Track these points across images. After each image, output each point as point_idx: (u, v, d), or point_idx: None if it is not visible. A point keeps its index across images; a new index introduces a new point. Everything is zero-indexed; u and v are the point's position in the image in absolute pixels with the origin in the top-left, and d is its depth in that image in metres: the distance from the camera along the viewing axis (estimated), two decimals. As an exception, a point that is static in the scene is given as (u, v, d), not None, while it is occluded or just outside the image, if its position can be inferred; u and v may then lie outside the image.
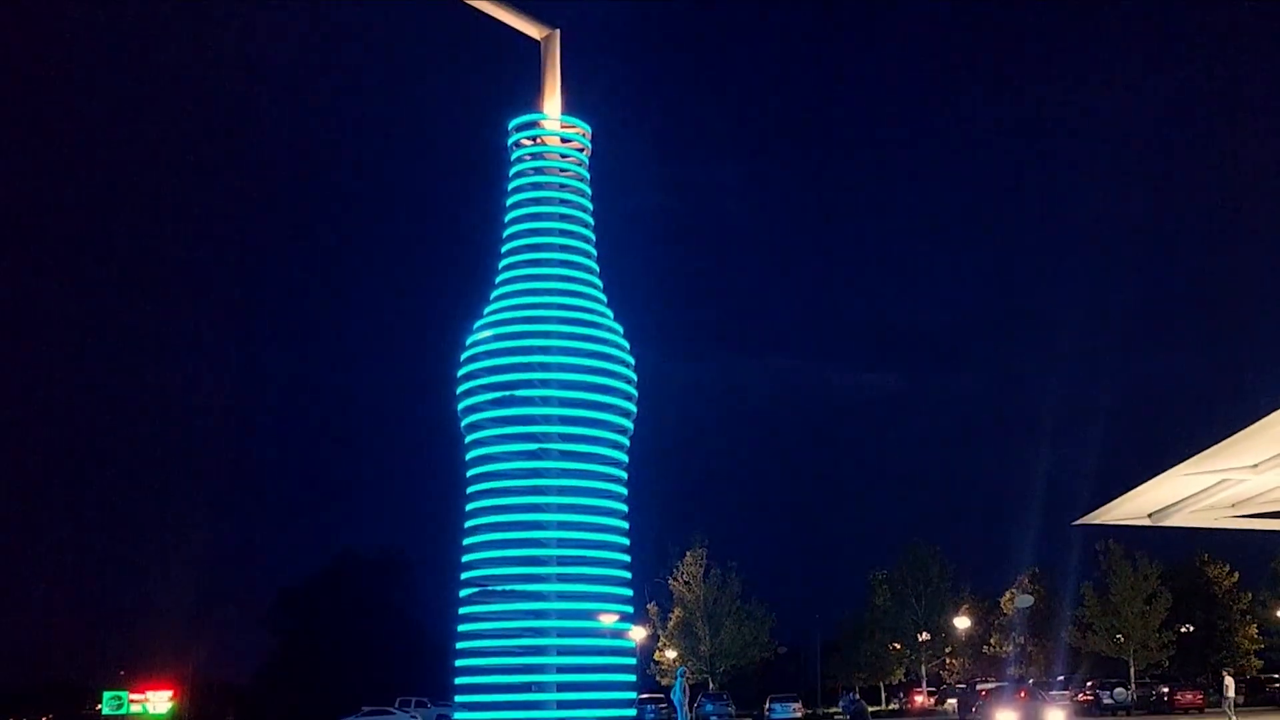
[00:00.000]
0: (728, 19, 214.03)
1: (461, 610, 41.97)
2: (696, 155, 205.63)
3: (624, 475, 42.67)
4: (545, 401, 41.56)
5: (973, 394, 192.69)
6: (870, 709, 77.55)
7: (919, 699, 78.74)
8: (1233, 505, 22.83)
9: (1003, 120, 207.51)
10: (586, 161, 44.44)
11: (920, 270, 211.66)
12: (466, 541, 41.89)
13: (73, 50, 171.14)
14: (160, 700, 62.27)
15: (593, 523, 41.53)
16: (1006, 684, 59.51)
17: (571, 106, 44.48)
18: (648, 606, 72.86)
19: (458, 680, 41.79)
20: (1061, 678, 73.79)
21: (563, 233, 43.34)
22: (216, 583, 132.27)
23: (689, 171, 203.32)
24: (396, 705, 66.00)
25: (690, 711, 51.90)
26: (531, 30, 44.34)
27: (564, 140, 44.26)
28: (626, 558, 42.53)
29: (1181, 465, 19.16)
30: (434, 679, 66.77)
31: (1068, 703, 57.29)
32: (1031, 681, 64.05)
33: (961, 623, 78.91)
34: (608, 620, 41.38)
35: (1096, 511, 23.49)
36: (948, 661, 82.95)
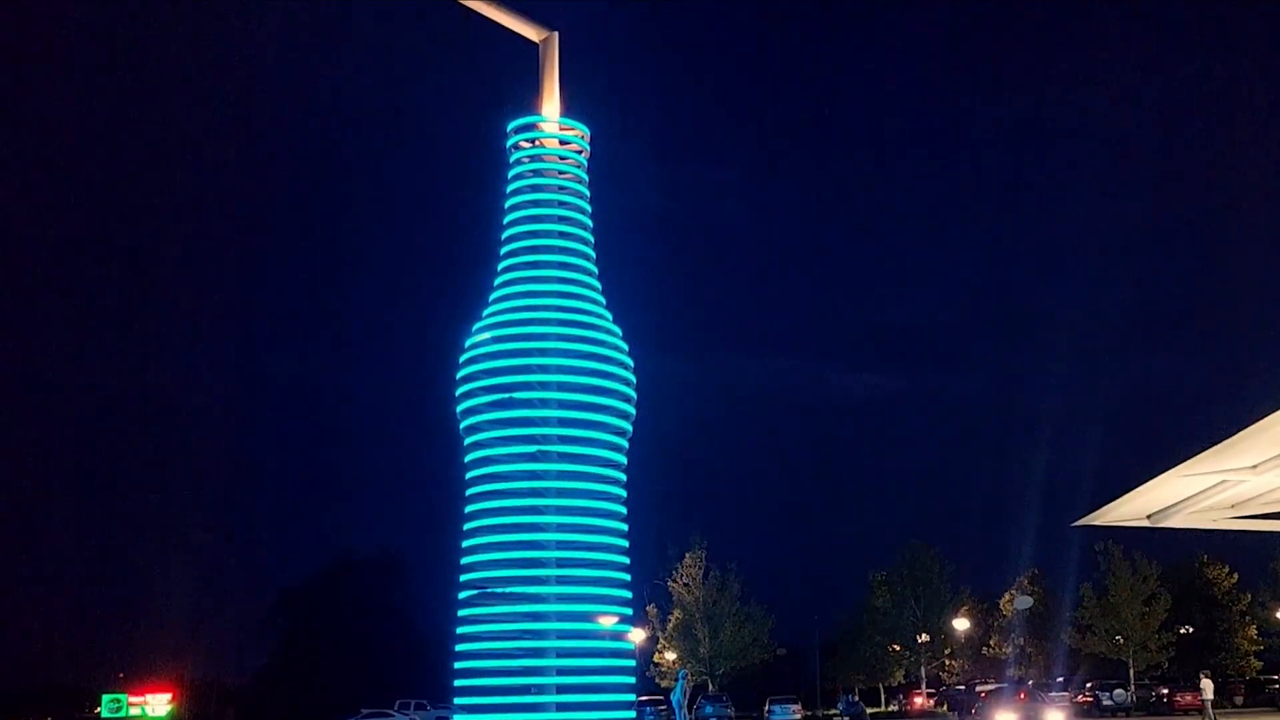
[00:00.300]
0: (726, 20, 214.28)
1: (460, 612, 41.98)
2: (695, 156, 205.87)
3: (623, 477, 42.69)
4: (544, 403, 41.60)
5: (972, 394, 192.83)
6: (869, 711, 77.68)
7: (918, 700, 78.72)
8: (1232, 506, 22.82)
9: (1001, 120, 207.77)
10: (585, 163, 44.47)
11: (919, 271, 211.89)
12: (465, 543, 41.89)
13: (72, 49, 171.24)
14: (159, 702, 62.17)
15: (592, 524, 41.52)
16: (1006, 685, 59.54)
17: (570, 108, 44.52)
18: (647, 608, 72.88)
19: (457, 682, 41.80)
20: (1061, 679, 73.80)
21: (561, 234, 43.37)
22: (215, 584, 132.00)
23: (688, 173, 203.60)
24: (396, 707, 66.01)
25: (690, 713, 51.89)
26: (530, 32, 44.38)
27: (562, 142, 44.29)
28: (626, 559, 42.52)
29: (1181, 466, 19.15)
30: (433, 681, 66.79)
31: (1067, 704, 57.31)
32: (1031, 683, 64.06)
33: (961, 624, 78.90)
34: (607, 622, 41.38)
35: (1096, 513, 23.48)
36: (947, 663, 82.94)
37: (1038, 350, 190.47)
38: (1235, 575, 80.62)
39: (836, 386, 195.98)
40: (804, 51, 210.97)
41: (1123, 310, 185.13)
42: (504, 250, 43.63)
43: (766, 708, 65.67)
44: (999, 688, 58.56)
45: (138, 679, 70.31)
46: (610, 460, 42.39)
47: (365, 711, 63.61)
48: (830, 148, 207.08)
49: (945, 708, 71.70)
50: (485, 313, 42.85)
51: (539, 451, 41.60)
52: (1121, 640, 72.95)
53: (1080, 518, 24.81)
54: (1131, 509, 22.66)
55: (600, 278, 43.93)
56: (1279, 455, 18.30)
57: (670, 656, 74.00)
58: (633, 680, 43.86)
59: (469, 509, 42.05)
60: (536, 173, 44.01)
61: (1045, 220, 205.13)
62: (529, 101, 44.41)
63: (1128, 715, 62.96)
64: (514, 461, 42.08)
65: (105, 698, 63.99)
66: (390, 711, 63.93)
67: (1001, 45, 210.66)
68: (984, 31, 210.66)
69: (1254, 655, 79.15)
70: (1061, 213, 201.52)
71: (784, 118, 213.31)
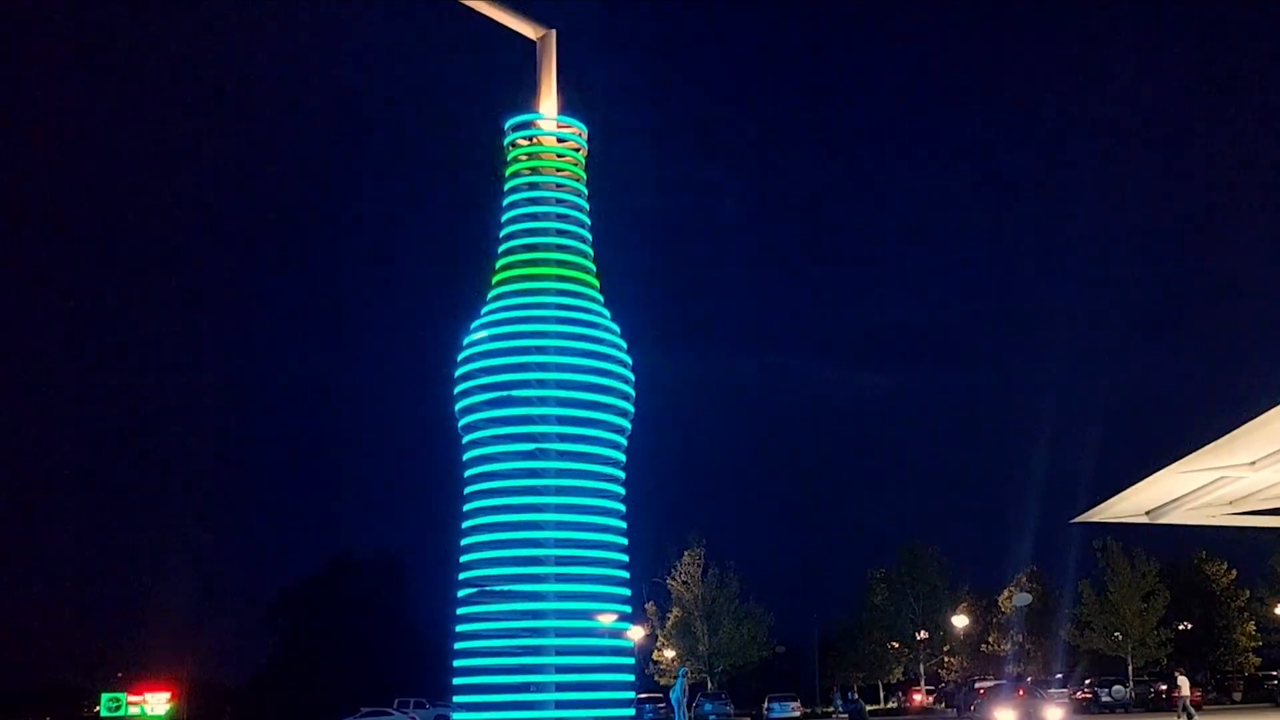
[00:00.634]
0: (722, 19, 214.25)
1: (459, 611, 41.98)
2: (692, 154, 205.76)
3: (622, 475, 42.69)
4: (543, 401, 41.60)
5: (970, 392, 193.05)
6: (868, 708, 77.67)
7: (917, 698, 78.74)
8: (1230, 502, 22.88)
9: (999, 119, 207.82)
10: (583, 161, 44.46)
11: (917, 269, 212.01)
12: (464, 542, 41.89)
13: (73, 47, 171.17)
14: (159, 702, 62.24)
15: (591, 522, 41.52)
16: (1005, 682, 59.54)
17: (567, 106, 44.51)
18: (646, 606, 72.86)
19: (456, 681, 41.80)
20: (1060, 675, 73.83)
21: (559, 232, 43.37)
22: (214, 584, 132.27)
23: (685, 171, 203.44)
24: (395, 706, 65.98)
25: (689, 711, 51.87)
26: (527, 30, 44.37)
27: (560, 140, 44.29)
28: (625, 557, 42.52)
29: (1179, 463, 19.18)
30: (432, 680, 66.77)
31: (1066, 701, 57.31)
32: (1030, 679, 64.04)
33: (960, 621, 78.92)
34: (606, 620, 41.39)
35: (1094, 509, 23.53)
36: (946, 660, 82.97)
37: (1036, 348, 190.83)
38: (1234, 571, 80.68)
39: (835, 384, 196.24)
40: (801, 50, 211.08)
41: (1121, 308, 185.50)
42: (501, 249, 43.61)
43: (765, 705, 65.66)
44: (998, 684, 58.51)
45: (137, 678, 70.30)
46: (609, 459, 42.40)
47: (364, 710, 63.62)
48: (828, 146, 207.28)
49: (944, 705, 71.70)
50: (483, 311, 42.85)
51: (537, 450, 41.61)
52: (1120, 637, 72.96)
53: (1079, 514, 24.86)
54: (1130, 505, 22.71)
55: (598, 276, 43.94)
56: (1277, 452, 18.33)
57: (669, 654, 74.00)
58: (631, 678, 43.88)
59: (467, 508, 42.04)
60: (534, 170, 43.98)
61: (1044, 219, 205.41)
62: (527, 99, 44.41)
63: (1126, 711, 62.97)
64: (512, 460, 42.08)
65: (105, 697, 64.05)
66: (389, 710, 63.93)
67: (999, 43, 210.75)
68: (980, 29, 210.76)
69: (1252, 651, 79.21)
70: (1060, 211, 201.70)
71: (781, 116, 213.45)
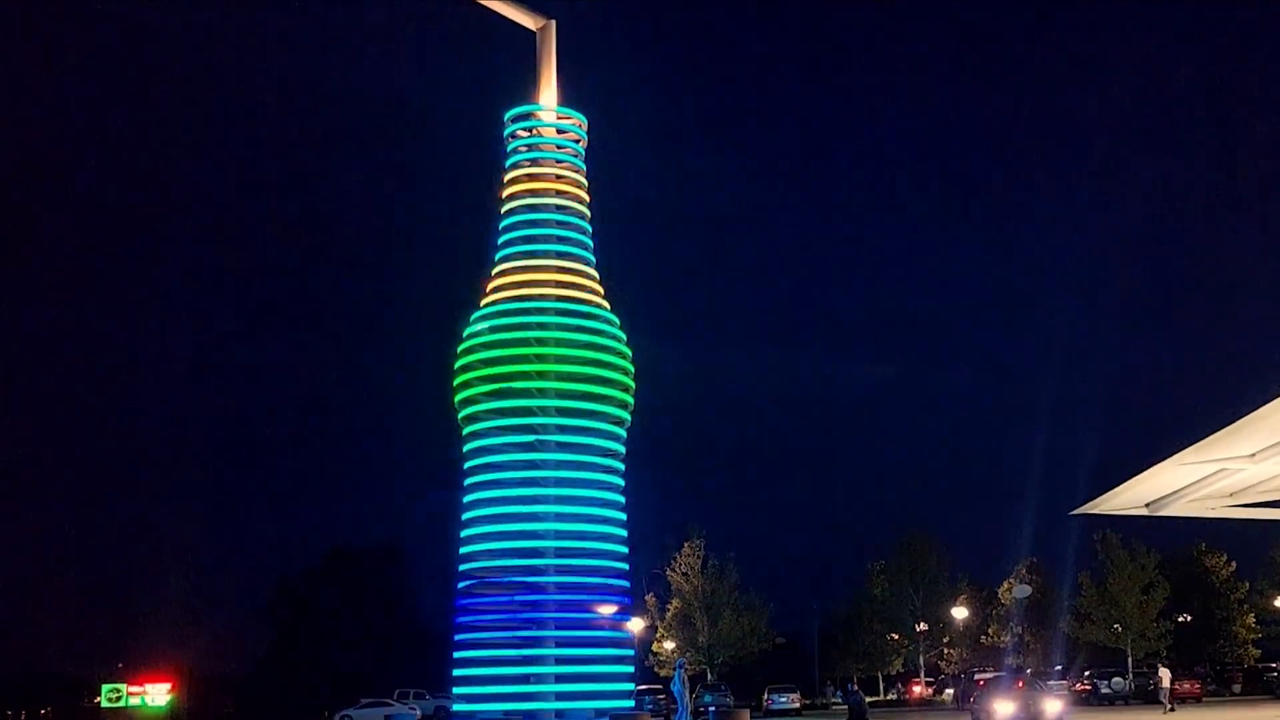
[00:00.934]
0: (724, 8, 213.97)
1: (459, 602, 42.01)
2: (692, 145, 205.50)
3: (621, 466, 42.71)
4: (542, 393, 41.58)
5: (970, 384, 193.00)
6: (868, 699, 77.62)
7: (917, 689, 78.77)
8: (1230, 495, 22.82)
9: (999, 112, 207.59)
10: (582, 152, 44.41)
11: (916, 260, 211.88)
12: (464, 533, 41.93)
13: (74, 45, 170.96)
14: (159, 693, 62.32)
15: (590, 514, 41.57)
16: (1004, 674, 59.52)
17: (567, 96, 44.45)
18: (645, 598, 72.87)
19: (456, 671, 41.83)
20: (1059, 667, 73.84)
21: (559, 223, 43.35)
22: (215, 575, 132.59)
23: (684, 161, 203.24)
24: (395, 697, 66.03)
25: (690, 702, 51.88)
26: (527, 21, 44.31)
27: (560, 131, 44.24)
28: (624, 549, 42.58)
29: (1179, 455, 19.13)
30: (432, 670, 66.82)
31: (1065, 692, 57.31)
32: (1029, 671, 64.05)
33: (959, 613, 78.94)
34: (606, 612, 41.42)
35: (1094, 501, 23.48)
36: (946, 652, 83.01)
37: (1037, 340, 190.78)
38: (1233, 563, 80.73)
39: (836, 376, 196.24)
40: (799, 41, 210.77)
41: (1122, 300, 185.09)
42: (502, 239, 43.57)
43: (765, 696, 65.67)
44: (997, 676, 58.49)
45: (137, 669, 70.37)
46: (608, 450, 42.41)
47: (364, 701, 63.68)
48: (826, 137, 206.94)
49: (949, 696, 71.55)
50: (483, 302, 42.82)
51: (537, 441, 41.61)
52: (1120, 628, 72.97)
53: (1079, 506, 24.82)
54: (1130, 497, 22.65)
55: (598, 266, 43.90)
56: (1277, 444, 18.29)
57: (669, 646, 74.04)
58: (631, 669, 43.95)
59: (467, 499, 42.07)
60: (534, 161, 43.95)
61: (1043, 211, 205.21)
62: (527, 90, 44.35)
63: (1126, 703, 62.96)
64: (512, 451, 42.10)
65: (105, 687, 64.12)
66: (389, 701, 63.95)
67: (998, 35, 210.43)
68: (981, 21, 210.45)
69: (1252, 643, 79.26)
70: (1059, 203, 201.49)
71: (779, 107, 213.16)
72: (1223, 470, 20.23)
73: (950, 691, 71.53)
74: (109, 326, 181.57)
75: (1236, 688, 71.96)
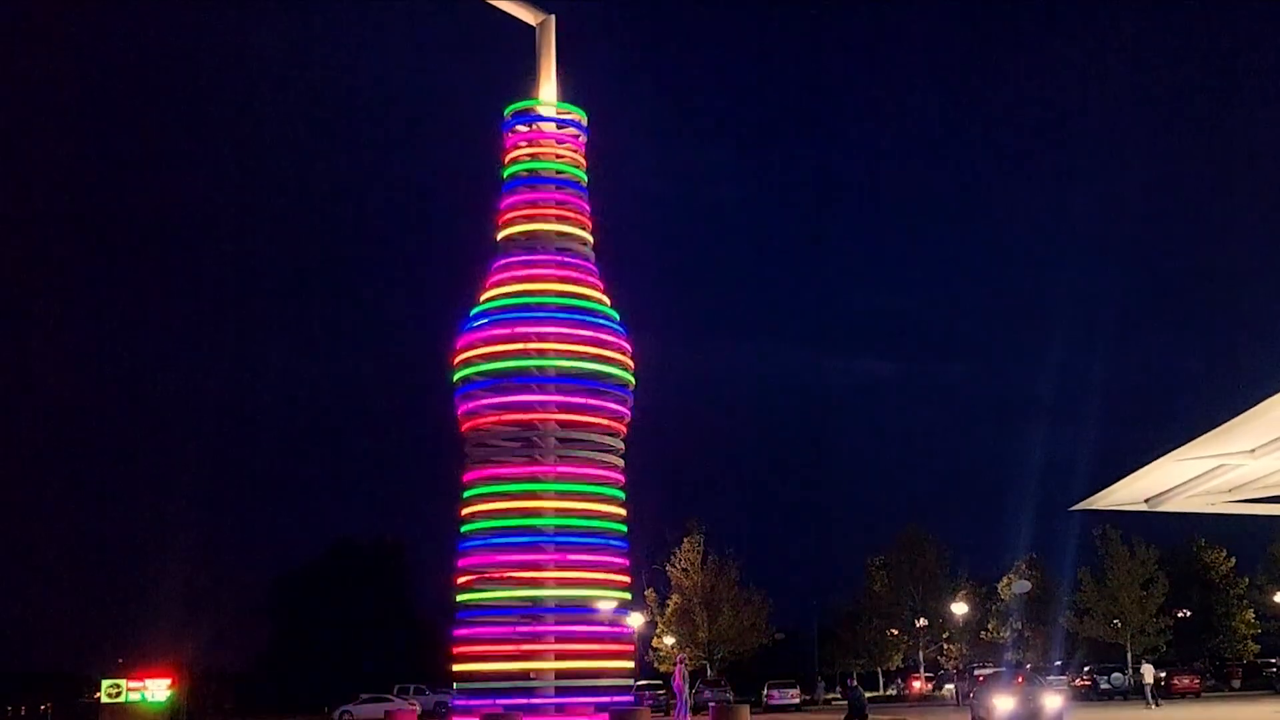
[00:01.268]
0: (723, 7, 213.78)
1: (459, 597, 42.01)
2: (692, 141, 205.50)
3: (621, 461, 42.69)
4: (542, 388, 41.57)
5: (970, 379, 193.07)
6: (867, 695, 77.63)
7: (917, 685, 78.79)
8: (1230, 490, 22.84)
9: (998, 107, 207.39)
10: (582, 147, 44.35)
11: (916, 256, 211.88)
12: (464, 529, 41.92)
13: (76, 44, 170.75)
14: (159, 688, 62.13)
15: (590, 509, 41.54)
16: (1004, 669, 59.50)
17: (567, 91, 44.37)
18: (645, 593, 72.86)
19: (456, 667, 41.83)
20: (1059, 663, 73.85)
21: (559, 219, 43.30)
22: (214, 571, 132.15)
23: (684, 157, 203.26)
24: (395, 692, 66.08)
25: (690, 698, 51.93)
26: (527, 16, 44.23)
27: (560, 126, 44.16)
28: (624, 544, 42.56)
29: (1178, 450, 19.15)
30: (432, 666, 66.90)
31: (1065, 688, 57.33)
32: (1029, 667, 64.05)
33: (959, 608, 78.96)
34: (605, 607, 41.40)
35: (1094, 497, 23.51)
36: (945, 647, 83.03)
37: (1035, 335, 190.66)
38: (1233, 559, 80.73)
39: (835, 371, 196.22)
40: (801, 38, 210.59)
41: (1120, 295, 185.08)
42: (502, 235, 43.53)
43: (765, 692, 65.68)
44: (996, 672, 58.48)
45: (137, 664, 70.20)
46: (608, 445, 42.39)
47: (364, 696, 63.73)
48: (828, 134, 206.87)
49: (949, 692, 71.53)
50: (483, 298, 42.79)
51: (536, 437, 41.61)
52: (1119, 624, 72.97)
53: (1078, 502, 24.85)
54: (1129, 493, 22.68)
55: (598, 262, 43.87)
56: (1276, 440, 18.29)
57: (669, 641, 74.04)
58: (631, 665, 43.92)
59: (467, 495, 42.07)
60: (534, 157, 43.90)
61: (1042, 206, 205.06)
62: (527, 85, 44.28)
63: (1125, 699, 62.98)
64: (512, 447, 42.09)
65: (105, 683, 63.95)
66: (389, 696, 63.99)
67: (998, 33, 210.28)
68: (981, 20, 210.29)
69: (1251, 639, 79.31)
70: (1058, 198, 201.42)
71: (780, 103, 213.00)
72: (1222, 466, 20.25)
73: (950, 687, 71.53)
74: (109, 324, 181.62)
75: (1236, 683, 71.99)
